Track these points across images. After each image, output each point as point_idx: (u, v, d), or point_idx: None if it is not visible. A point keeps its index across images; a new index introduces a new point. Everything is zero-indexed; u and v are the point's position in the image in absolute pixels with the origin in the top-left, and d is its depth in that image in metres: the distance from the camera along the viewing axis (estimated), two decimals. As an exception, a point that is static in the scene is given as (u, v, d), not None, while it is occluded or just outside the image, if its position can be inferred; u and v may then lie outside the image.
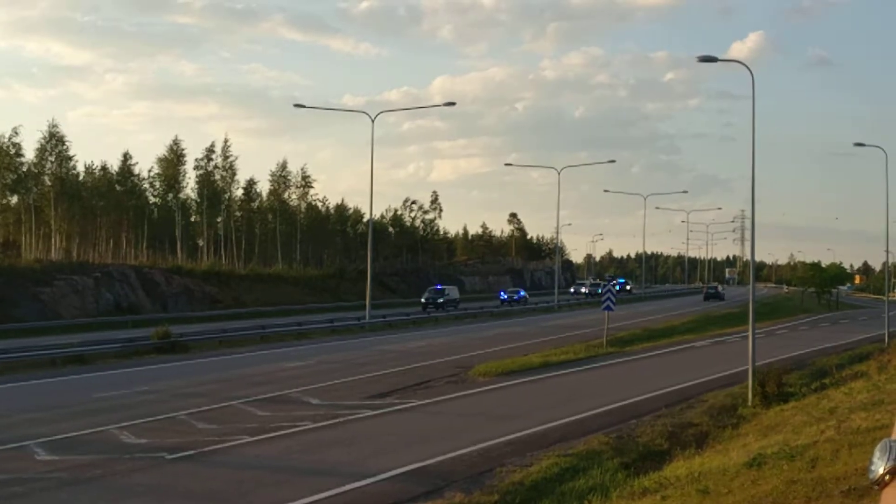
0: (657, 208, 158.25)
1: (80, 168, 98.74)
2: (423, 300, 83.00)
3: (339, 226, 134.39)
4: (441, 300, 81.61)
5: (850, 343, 49.70)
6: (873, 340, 50.18)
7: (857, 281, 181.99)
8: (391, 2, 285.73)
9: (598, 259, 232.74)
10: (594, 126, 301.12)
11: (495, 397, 29.40)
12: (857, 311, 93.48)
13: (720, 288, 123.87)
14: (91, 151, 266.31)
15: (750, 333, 30.71)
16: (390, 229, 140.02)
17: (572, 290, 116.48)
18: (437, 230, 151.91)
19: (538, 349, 43.60)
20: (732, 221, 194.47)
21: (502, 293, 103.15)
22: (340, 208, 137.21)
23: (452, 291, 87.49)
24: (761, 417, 24.89)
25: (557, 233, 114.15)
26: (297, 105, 71.06)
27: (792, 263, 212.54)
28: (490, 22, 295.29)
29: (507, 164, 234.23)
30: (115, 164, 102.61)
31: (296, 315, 70.09)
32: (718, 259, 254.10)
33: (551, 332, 55.08)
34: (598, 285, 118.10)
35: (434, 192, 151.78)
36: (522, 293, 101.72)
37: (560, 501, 15.38)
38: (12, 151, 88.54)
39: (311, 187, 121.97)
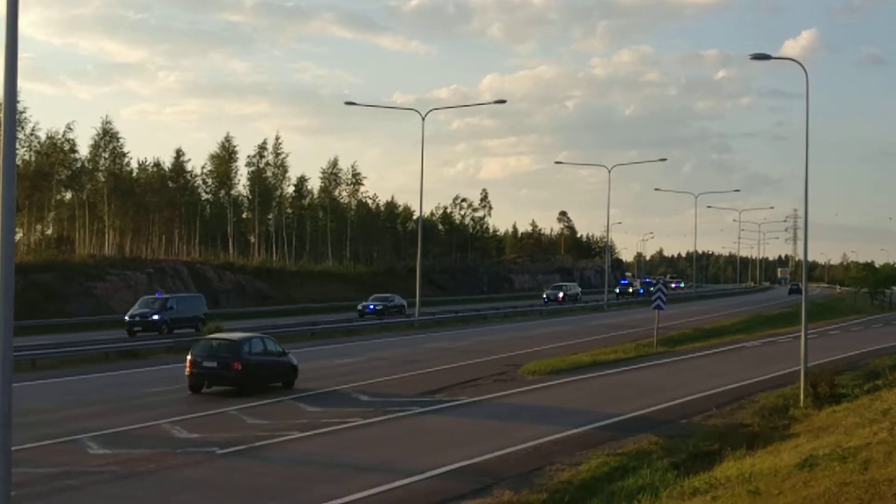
0: (708, 207, 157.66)
1: (134, 164, 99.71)
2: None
3: (389, 223, 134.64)
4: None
5: (904, 344, 49.06)
6: (928, 342, 49.50)
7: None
8: (441, 0, 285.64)
9: (648, 258, 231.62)
10: (645, 124, 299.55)
11: (544, 396, 29.32)
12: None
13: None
14: (144, 148, 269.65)
15: (802, 334, 30.41)
16: (440, 227, 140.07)
17: (617, 289, 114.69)
18: (487, 228, 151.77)
19: (587, 348, 43.47)
20: (785, 221, 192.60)
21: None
22: (390, 206, 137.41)
23: (573, 287, 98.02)
24: (813, 419, 24.67)
25: (607, 231, 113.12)
26: (348, 103, 71.04)
27: (845, 263, 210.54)
28: (539, 20, 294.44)
29: (557, 163, 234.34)
30: (167, 161, 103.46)
31: (346, 312, 70.37)
32: (770, 259, 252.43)
33: (601, 331, 54.86)
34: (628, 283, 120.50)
35: (484, 189, 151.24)
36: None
37: (609, 501, 15.33)
38: (67, 148, 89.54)
39: (362, 185, 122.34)
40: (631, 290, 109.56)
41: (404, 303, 69.62)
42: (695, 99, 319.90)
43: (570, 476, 17.24)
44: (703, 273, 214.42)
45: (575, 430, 22.55)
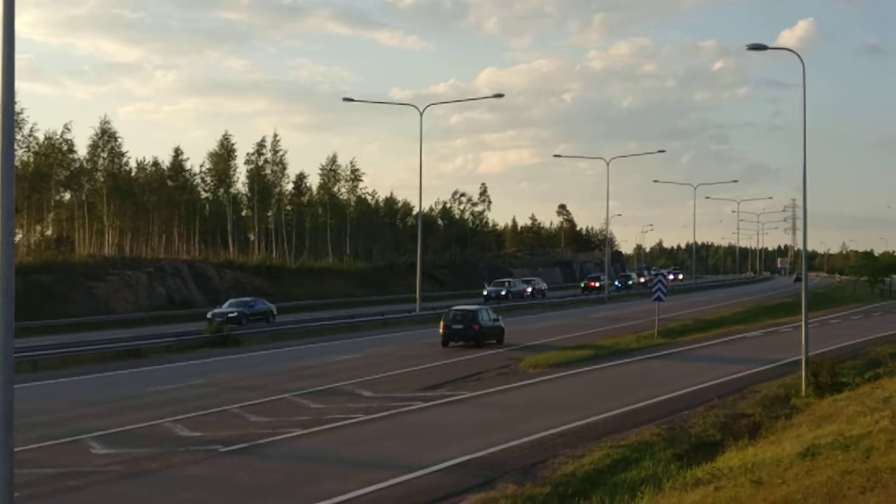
0: (707, 198, 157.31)
1: (132, 164, 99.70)
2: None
3: (388, 219, 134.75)
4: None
5: (905, 332, 49.08)
6: (929, 329, 49.52)
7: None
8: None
9: (648, 250, 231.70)
10: (643, 116, 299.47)
11: (546, 389, 29.37)
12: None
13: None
14: (143, 147, 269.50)
15: (803, 323, 30.42)
16: (439, 222, 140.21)
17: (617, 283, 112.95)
18: (486, 222, 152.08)
19: (589, 340, 43.49)
20: (784, 211, 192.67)
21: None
22: (390, 201, 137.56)
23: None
24: (815, 408, 24.67)
25: (607, 224, 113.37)
26: (346, 99, 71.15)
27: (844, 252, 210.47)
28: (536, 14, 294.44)
29: (555, 156, 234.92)
30: (166, 160, 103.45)
31: (346, 308, 70.40)
32: (770, 249, 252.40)
33: (602, 324, 54.86)
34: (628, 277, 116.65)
35: (483, 184, 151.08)
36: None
37: (612, 493, 15.32)
38: (65, 148, 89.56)
39: (361, 181, 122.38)
40: (598, 283, 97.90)
41: (271, 307, 59.56)
42: (693, 90, 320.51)
43: (574, 468, 17.24)
44: (703, 264, 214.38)
45: (577, 423, 22.56)
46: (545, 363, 34.65)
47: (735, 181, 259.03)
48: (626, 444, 19.50)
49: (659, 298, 46.19)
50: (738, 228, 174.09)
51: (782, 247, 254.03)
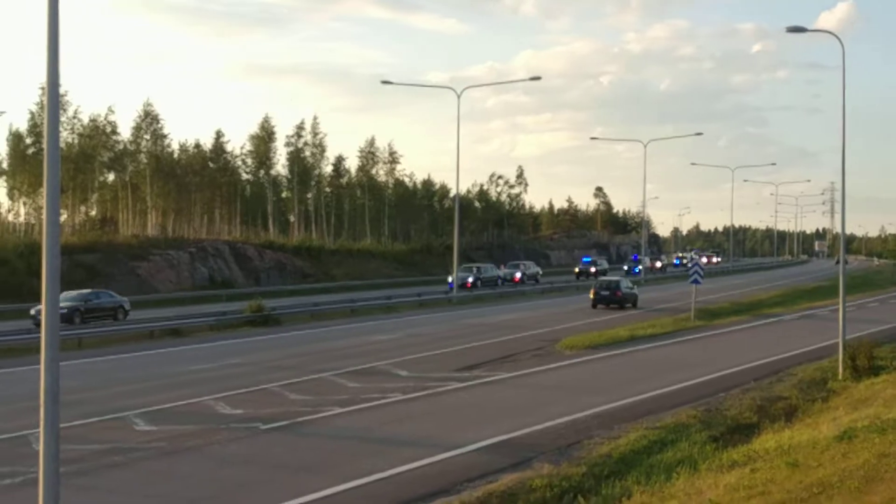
0: (745, 181, 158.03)
1: (175, 146, 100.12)
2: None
3: (425, 201, 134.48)
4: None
5: (943, 316, 48.59)
6: (967, 314, 49.01)
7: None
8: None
9: (685, 232, 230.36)
10: (680, 99, 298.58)
11: (582, 370, 29.30)
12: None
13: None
14: (185, 129, 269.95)
15: (840, 306, 30.21)
16: (476, 204, 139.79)
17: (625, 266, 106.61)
18: (523, 205, 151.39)
19: (625, 322, 43.31)
20: (822, 194, 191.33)
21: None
22: (427, 184, 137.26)
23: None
24: (851, 391, 24.50)
25: (644, 206, 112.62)
26: (384, 82, 71.04)
27: (883, 236, 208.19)
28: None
29: (592, 138, 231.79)
30: (208, 142, 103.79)
31: (384, 289, 70.53)
32: (808, 232, 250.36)
33: (637, 306, 54.62)
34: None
35: (519, 166, 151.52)
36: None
37: (648, 474, 15.28)
38: (108, 130, 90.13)
39: (398, 163, 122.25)
40: (594, 269, 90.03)
41: (122, 302, 48.11)
42: (730, 73, 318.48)
43: (609, 450, 17.21)
44: (741, 247, 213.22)
45: (613, 405, 22.52)
46: (581, 345, 34.55)
47: (773, 164, 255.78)
48: (661, 425, 19.45)
49: (696, 281, 46.01)
50: (776, 211, 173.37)
51: (821, 230, 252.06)
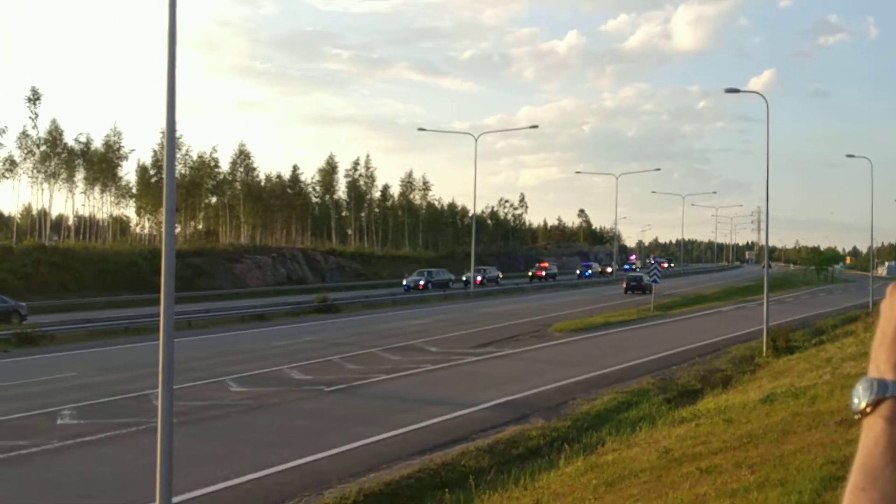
0: (692, 205, 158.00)
1: (262, 176, 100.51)
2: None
3: (450, 219, 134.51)
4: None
5: (842, 308, 48.07)
6: (860, 307, 48.45)
7: (847, 261, 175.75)
8: (488, 51, 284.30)
9: (646, 244, 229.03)
10: (643, 142, 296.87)
11: (568, 348, 29.21)
12: (848, 285, 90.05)
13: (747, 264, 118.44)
14: (269, 164, 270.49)
15: (764, 301, 30.03)
16: (488, 222, 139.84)
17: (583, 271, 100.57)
18: (524, 222, 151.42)
19: (600, 312, 43.13)
20: (751, 215, 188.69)
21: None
22: (451, 206, 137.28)
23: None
24: (773, 365, 24.30)
25: (615, 224, 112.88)
26: (420, 129, 72.12)
27: (797, 248, 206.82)
28: (562, 65, 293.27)
29: (576, 172, 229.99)
30: (286, 174, 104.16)
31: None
32: (740, 244, 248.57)
33: (611, 300, 54.36)
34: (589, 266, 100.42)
35: (521, 193, 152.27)
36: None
37: (618, 427, 15.22)
38: (212, 164, 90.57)
39: (430, 190, 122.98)
40: (545, 273, 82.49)
41: (19, 307, 39.59)
42: (681, 123, 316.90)
43: (588, 408, 17.16)
44: (689, 255, 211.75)
45: (591, 374, 22.44)
46: (567, 329, 34.44)
47: (714, 192, 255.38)
48: (628, 390, 19.36)
49: (655, 280, 45.80)
50: (716, 228, 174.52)
51: (750, 243, 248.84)
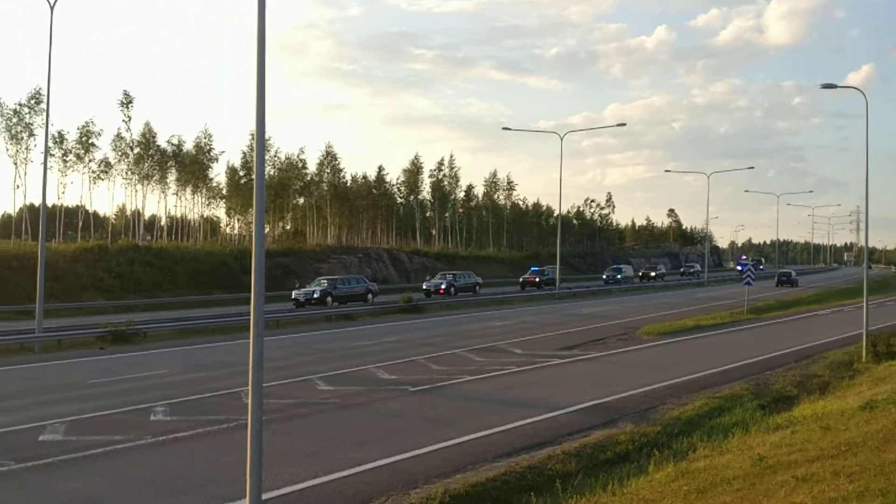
0: (788, 205, 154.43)
1: (348, 177, 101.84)
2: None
3: (534, 219, 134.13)
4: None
5: (949, 314, 46.24)
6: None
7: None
8: (574, 48, 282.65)
9: (739, 245, 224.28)
10: (736, 140, 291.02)
11: (657, 352, 28.78)
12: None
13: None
14: (355, 164, 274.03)
15: (864, 304, 29.10)
16: (574, 222, 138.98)
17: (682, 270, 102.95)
18: (611, 222, 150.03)
19: (691, 315, 42.41)
20: (850, 215, 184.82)
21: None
22: (536, 206, 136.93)
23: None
24: (872, 371, 23.50)
25: (707, 224, 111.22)
26: (504, 128, 71.83)
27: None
28: (651, 61, 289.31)
29: (666, 171, 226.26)
30: (372, 174, 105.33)
31: (502, 286, 70.34)
32: (838, 245, 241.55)
33: (701, 302, 53.49)
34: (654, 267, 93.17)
35: (608, 193, 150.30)
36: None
37: (709, 433, 14.93)
38: (299, 165, 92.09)
39: (514, 190, 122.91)
40: (538, 279, 69.17)
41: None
42: (776, 119, 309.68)
43: (679, 413, 16.87)
44: (784, 257, 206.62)
45: (682, 379, 22.05)
46: (657, 332, 33.94)
47: (811, 191, 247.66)
48: (720, 395, 18.96)
49: (748, 283, 44.80)
50: (812, 229, 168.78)
51: (848, 243, 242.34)
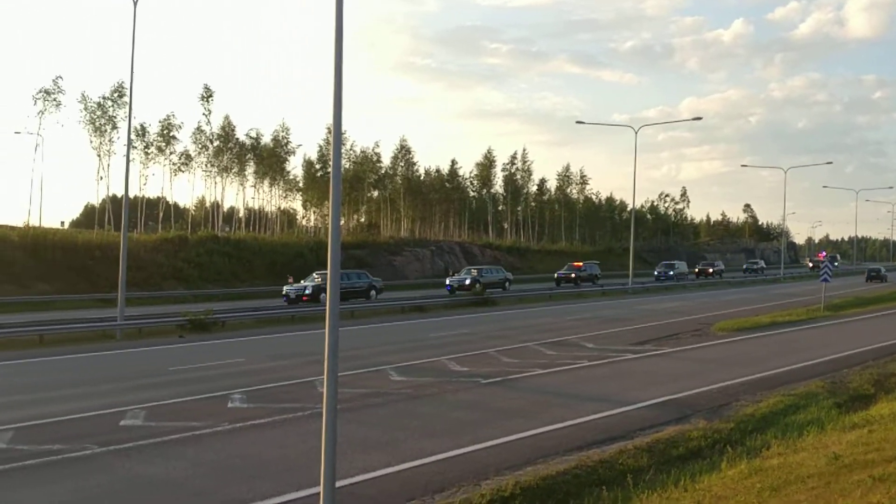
0: (867, 201, 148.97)
1: (421, 171, 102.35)
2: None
3: (608, 213, 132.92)
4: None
5: None
6: None
7: None
8: (650, 41, 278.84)
9: (817, 241, 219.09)
10: (814, 135, 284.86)
11: (731, 348, 28.29)
12: None
13: None
14: (428, 158, 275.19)
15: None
16: (648, 216, 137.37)
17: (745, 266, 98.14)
18: (685, 217, 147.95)
19: (766, 311, 41.58)
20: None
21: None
22: (609, 200, 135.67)
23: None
24: (957, 372, 22.74)
25: (783, 220, 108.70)
26: (578, 122, 71.44)
27: None
28: (728, 54, 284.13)
29: (742, 166, 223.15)
30: (445, 168, 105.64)
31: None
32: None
33: (777, 299, 52.41)
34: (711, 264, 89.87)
35: (683, 187, 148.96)
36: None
37: (784, 431, 14.64)
38: (374, 159, 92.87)
39: (587, 184, 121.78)
40: (574, 275, 65.33)
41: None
42: (855, 114, 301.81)
43: (753, 411, 16.56)
44: (862, 253, 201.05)
45: (756, 375, 21.64)
46: (731, 328, 33.35)
47: (891, 187, 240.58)
48: (795, 393, 18.56)
49: (825, 279, 43.74)
50: (892, 225, 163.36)
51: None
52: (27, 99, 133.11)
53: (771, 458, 12.37)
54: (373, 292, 47.59)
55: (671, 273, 74.44)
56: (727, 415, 16.31)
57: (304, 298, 43.28)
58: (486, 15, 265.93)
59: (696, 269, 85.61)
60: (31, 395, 18.40)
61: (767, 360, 24.75)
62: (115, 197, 69.90)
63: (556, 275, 67.83)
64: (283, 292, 44.90)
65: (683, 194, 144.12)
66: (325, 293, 42.96)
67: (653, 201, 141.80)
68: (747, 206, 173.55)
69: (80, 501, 10.68)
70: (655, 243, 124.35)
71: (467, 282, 54.53)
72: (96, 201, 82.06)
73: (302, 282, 46.57)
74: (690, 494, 10.56)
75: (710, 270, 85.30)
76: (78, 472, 12.05)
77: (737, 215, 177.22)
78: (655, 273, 76.16)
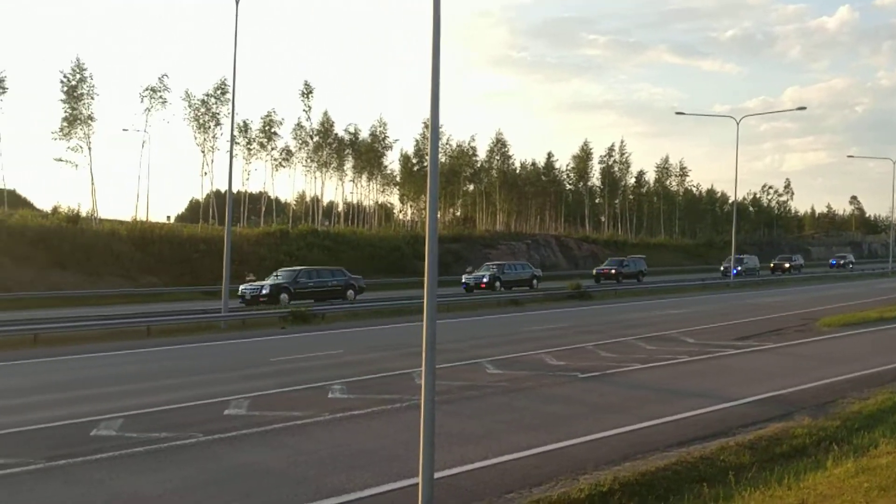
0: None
1: (517, 164, 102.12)
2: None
3: (708, 206, 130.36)
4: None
5: None
6: None
7: None
8: (751, 30, 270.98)
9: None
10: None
11: (837, 344, 27.38)
12: None
13: None
14: (524, 151, 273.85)
15: None
16: (750, 209, 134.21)
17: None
18: (789, 210, 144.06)
19: (874, 307, 40.07)
20: None
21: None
22: (710, 192, 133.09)
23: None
24: None
25: (893, 212, 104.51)
26: (678, 113, 69.32)
27: None
28: (832, 43, 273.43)
29: (848, 157, 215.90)
30: (541, 161, 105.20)
31: (674, 274, 68.74)
32: None
33: (884, 293, 50.47)
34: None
35: (787, 179, 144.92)
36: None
37: (893, 430, 14.10)
38: (470, 153, 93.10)
39: (687, 176, 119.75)
40: (614, 271, 60.80)
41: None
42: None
43: (860, 408, 16.00)
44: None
45: (863, 372, 20.90)
46: (837, 323, 32.27)
47: None
48: (906, 391, 17.87)
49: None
50: None
51: None
52: (134, 97, 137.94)
53: (879, 458, 11.94)
54: (350, 292, 43.40)
55: (738, 269, 66.34)
56: (833, 412, 15.80)
57: (261, 300, 39.21)
58: (581, 6, 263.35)
59: (773, 264, 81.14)
60: (138, 384, 19.08)
61: (875, 356, 23.86)
62: (218, 192, 71.95)
63: (594, 271, 62.51)
64: (240, 292, 39.89)
65: (787, 186, 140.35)
66: (283, 294, 39.16)
67: (755, 193, 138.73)
68: (853, 198, 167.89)
69: (188, 488, 11.02)
70: (758, 236, 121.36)
71: (485, 280, 49.43)
72: (201, 196, 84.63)
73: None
74: (794, 493, 10.28)
75: (787, 265, 78.56)
76: (184, 459, 12.44)
77: (843, 207, 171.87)
78: (721, 268, 69.58)
